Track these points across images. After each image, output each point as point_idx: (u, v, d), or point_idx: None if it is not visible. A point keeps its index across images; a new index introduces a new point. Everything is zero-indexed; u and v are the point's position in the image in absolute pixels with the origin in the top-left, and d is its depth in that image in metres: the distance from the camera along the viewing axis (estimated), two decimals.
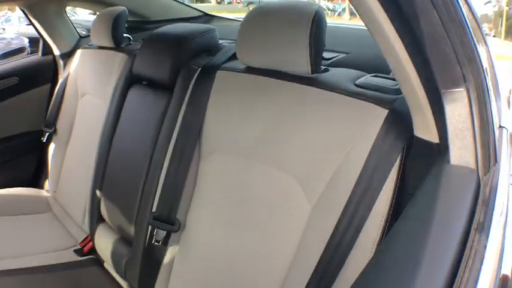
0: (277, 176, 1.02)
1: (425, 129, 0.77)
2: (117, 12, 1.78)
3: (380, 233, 0.84)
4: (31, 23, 2.13)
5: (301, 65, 1.00)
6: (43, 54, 2.23)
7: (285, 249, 0.98)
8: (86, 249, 1.67)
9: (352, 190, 0.88)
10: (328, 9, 15.39)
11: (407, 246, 0.57)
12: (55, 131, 2.09)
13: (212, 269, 1.13)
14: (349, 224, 0.87)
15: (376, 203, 0.85)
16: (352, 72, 1.08)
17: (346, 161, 0.90)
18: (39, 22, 2.11)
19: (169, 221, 1.21)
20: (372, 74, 1.05)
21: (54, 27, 2.15)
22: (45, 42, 2.20)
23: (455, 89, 0.67)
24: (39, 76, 2.22)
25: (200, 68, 1.29)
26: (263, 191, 1.04)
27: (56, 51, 2.20)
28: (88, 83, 1.93)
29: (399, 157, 0.85)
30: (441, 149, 0.72)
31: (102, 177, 1.66)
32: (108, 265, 1.57)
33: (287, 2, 1.08)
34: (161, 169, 1.28)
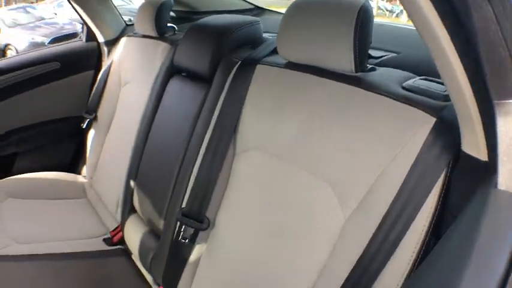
0: (311, 181, 0.95)
1: (473, 144, 0.68)
2: (162, 1, 1.75)
3: (417, 252, 0.78)
4: (74, 9, 2.11)
5: (344, 62, 0.93)
6: (87, 41, 2.22)
7: (314, 259, 0.92)
8: (115, 239, 1.65)
9: (391, 203, 0.80)
10: (386, 10, 15.12)
11: (447, 272, 0.51)
12: (95, 118, 2.08)
13: (238, 271, 1.09)
14: (384, 239, 0.80)
15: (416, 219, 0.78)
16: (401, 73, 1.00)
17: (387, 171, 0.83)
18: (83, 8, 2.09)
19: (199, 219, 1.17)
20: (421, 77, 0.96)
21: (98, 14, 2.13)
22: (89, 29, 2.19)
23: (510, 100, 0.58)
24: (82, 62, 2.21)
25: (240, 61, 1.24)
26: (295, 196, 0.98)
27: (100, 38, 2.19)
28: (131, 72, 1.92)
29: (444, 171, 0.77)
30: (489, 169, 0.63)
31: (137, 168, 1.64)
32: (135, 257, 1.55)
33: None
34: (194, 164, 1.24)
